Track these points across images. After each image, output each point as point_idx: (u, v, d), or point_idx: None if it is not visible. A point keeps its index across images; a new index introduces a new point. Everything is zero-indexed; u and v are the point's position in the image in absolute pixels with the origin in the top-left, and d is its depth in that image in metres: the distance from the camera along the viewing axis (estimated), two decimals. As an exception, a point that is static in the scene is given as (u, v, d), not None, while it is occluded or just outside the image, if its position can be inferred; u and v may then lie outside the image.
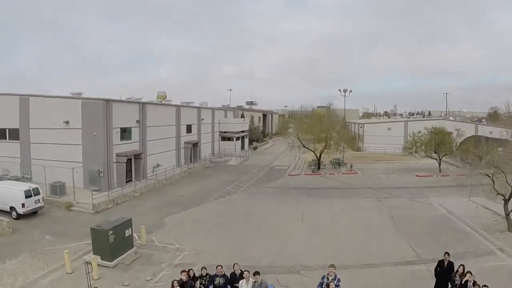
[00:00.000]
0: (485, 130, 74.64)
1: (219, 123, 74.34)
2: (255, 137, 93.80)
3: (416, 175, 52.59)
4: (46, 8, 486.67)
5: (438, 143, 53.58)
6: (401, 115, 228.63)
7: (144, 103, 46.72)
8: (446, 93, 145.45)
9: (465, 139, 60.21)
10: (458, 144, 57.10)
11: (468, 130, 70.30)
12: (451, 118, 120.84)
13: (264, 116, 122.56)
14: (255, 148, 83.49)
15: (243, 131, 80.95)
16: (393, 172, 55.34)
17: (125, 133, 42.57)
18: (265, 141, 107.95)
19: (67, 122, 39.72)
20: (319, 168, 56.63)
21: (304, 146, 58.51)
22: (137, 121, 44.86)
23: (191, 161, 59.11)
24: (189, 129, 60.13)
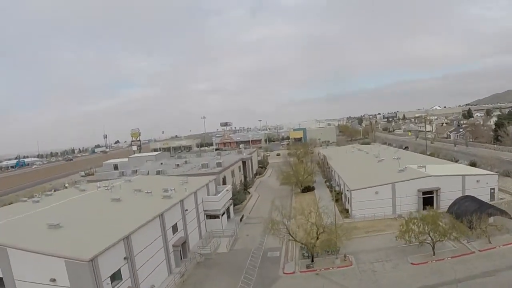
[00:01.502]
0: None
1: (202, 202, 73.85)
2: (239, 199, 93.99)
3: (412, 263, 53.35)
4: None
5: (429, 230, 54.18)
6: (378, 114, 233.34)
7: (128, 237, 45.81)
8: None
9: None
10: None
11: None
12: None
13: (244, 163, 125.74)
14: (241, 219, 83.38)
15: (228, 200, 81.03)
16: (387, 257, 56.03)
17: (114, 278, 41.89)
18: (248, 193, 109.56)
19: (54, 280, 38.89)
20: (312, 260, 56.84)
21: (291, 236, 58.88)
22: (125, 258, 44.19)
23: (181, 259, 58.87)
24: (175, 228, 59.65)
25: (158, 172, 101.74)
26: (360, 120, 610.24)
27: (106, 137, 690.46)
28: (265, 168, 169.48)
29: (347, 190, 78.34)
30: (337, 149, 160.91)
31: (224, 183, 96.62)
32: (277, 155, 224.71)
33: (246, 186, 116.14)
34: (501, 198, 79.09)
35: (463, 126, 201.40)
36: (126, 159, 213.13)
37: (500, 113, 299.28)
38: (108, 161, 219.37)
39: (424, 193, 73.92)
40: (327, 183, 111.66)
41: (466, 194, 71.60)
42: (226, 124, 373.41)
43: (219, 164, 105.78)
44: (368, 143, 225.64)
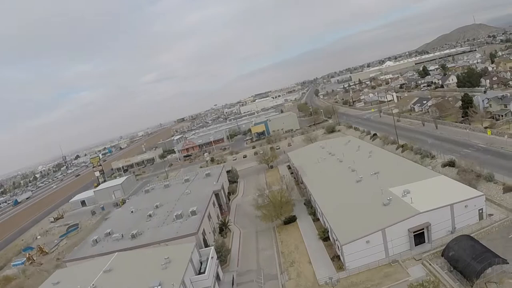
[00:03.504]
0: None
1: (191, 283, 70.46)
2: (224, 255, 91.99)
3: None
4: None
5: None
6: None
7: None
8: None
9: None
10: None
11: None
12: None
13: (217, 195, 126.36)
14: (233, 282, 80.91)
15: (215, 266, 78.63)
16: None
17: None
18: (229, 229, 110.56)
19: None
20: None
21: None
22: None
23: None
24: None
25: (133, 236, 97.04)
26: (316, 91, 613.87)
27: (65, 159, 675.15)
28: (237, 183, 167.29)
29: (336, 240, 76.88)
30: (306, 152, 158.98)
31: (205, 240, 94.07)
32: (243, 157, 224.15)
33: (225, 223, 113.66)
34: (490, 215, 79.75)
35: (429, 104, 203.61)
36: (92, 193, 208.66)
37: (457, 72, 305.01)
38: (75, 199, 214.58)
39: (415, 231, 73.61)
40: (308, 208, 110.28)
41: (460, 234, 71.40)
42: (182, 120, 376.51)
43: (193, 213, 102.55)
44: (333, 129, 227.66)
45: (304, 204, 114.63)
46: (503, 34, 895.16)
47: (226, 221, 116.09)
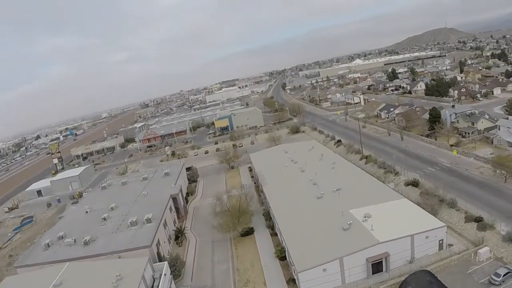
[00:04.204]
0: None
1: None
2: (178, 269, 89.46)
3: None
4: None
5: None
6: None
7: None
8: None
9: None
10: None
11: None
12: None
13: (174, 199, 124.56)
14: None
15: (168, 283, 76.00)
16: None
17: None
18: (185, 237, 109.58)
19: None
20: None
21: None
22: None
23: None
24: None
25: (86, 243, 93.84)
26: (283, 84, 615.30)
27: (25, 139, 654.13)
28: (196, 182, 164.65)
29: (293, 265, 75.36)
30: (268, 156, 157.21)
31: (158, 254, 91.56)
32: (205, 153, 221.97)
33: (181, 230, 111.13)
34: (450, 245, 79.96)
35: (396, 113, 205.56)
36: (48, 183, 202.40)
37: (428, 80, 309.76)
38: (30, 188, 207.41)
39: (373, 260, 72.90)
40: (266, 221, 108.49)
41: (419, 269, 71.23)
42: (146, 105, 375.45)
43: (148, 220, 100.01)
44: (298, 129, 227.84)
45: (263, 215, 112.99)
46: (473, 40, 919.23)
47: (183, 228, 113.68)
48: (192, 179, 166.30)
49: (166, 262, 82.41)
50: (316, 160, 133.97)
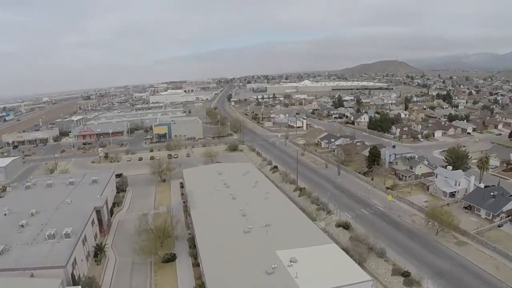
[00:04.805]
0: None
1: None
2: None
3: None
4: None
5: None
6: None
7: None
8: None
9: None
10: None
11: None
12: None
13: (98, 211, 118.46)
14: None
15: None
16: None
17: None
18: (104, 254, 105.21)
19: None
20: None
21: None
22: None
23: None
24: None
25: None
26: (229, 96, 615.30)
27: None
28: (125, 192, 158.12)
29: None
30: (202, 174, 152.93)
31: (73, 276, 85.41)
32: (139, 159, 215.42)
33: (101, 247, 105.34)
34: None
35: (336, 144, 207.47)
36: None
37: (372, 113, 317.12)
38: None
39: (293, 313, 70.22)
40: (190, 249, 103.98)
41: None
42: (88, 97, 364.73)
43: (67, 235, 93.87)
44: (236, 147, 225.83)
45: (188, 240, 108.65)
46: (421, 77, 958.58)
47: (103, 245, 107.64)
48: (121, 188, 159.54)
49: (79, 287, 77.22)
50: (250, 187, 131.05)
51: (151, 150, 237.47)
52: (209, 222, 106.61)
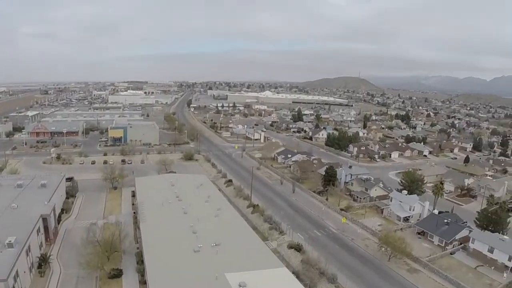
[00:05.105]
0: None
1: None
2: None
3: None
4: None
5: None
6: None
7: None
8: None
9: None
10: None
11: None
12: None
13: (45, 219, 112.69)
14: None
15: None
16: None
17: None
18: (49, 266, 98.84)
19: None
20: None
21: None
22: None
23: None
24: None
25: None
26: (189, 101, 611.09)
27: None
28: (75, 198, 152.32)
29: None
30: (154, 184, 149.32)
31: None
32: (92, 163, 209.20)
33: (45, 258, 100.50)
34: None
35: (293, 160, 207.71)
36: None
37: (331, 129, 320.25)
38: None
39: None
40: (138, 265, 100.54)
41: None
42: (46, 92, 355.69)
43: (10, 245, 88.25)
44: (192, 157, 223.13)
45: (135, 255, 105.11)
46: (381, 95, 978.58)
47: (48, 255, 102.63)
48: (71, 193, 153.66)
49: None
50: (202, 201, 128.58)
51: (105, 154, 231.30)
52: (159, 237, 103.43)
